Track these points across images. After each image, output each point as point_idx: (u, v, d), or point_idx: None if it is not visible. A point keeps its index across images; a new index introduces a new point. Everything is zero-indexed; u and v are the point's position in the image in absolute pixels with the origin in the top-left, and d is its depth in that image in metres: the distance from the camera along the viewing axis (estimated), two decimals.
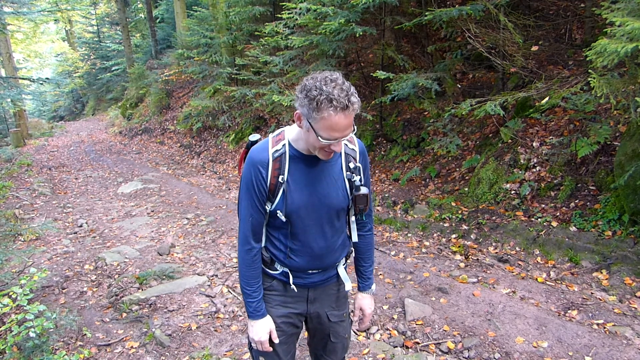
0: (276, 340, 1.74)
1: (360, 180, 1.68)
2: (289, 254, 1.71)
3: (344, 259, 1.85)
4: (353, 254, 1.92)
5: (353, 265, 1.98)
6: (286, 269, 1.74)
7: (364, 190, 1.67)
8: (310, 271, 1.75)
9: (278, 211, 1.64)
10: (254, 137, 1.77)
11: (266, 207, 1.68)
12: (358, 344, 3.20)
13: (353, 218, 1.82)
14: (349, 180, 1.69)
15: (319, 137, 1.46)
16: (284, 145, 1.63)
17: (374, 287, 1.96)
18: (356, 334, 3.31)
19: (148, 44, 19.57)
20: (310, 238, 1.68)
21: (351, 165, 1.69)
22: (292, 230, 1.67)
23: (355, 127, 1.52)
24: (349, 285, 1.84)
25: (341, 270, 1.83)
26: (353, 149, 1.72)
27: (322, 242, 1.70)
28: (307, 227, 1.67)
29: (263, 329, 1.72)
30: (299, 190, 1.63)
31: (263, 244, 1.79)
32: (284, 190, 1.61)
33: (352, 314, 1.99)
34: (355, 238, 1.84)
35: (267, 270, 1.79)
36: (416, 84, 5.81)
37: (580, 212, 4.49)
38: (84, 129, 19.71)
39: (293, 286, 1.74)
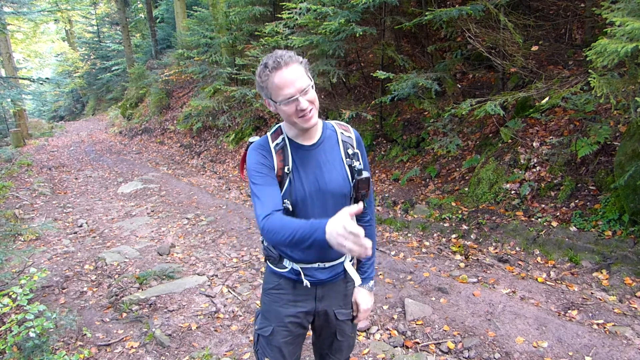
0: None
1: (360, 165, 1.72)
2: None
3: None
4: None
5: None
6: (295, 266, 1.75)
7: (365, 174, 1.69)
8: (317, 265, 1.75)
9: (285, 200, 1.66)
10: (254, 138, 1.79)
11: None
12: (358, 344, 3.19)
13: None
14: (349, 166, 1.72)
15: (279, 103, 1.52)
16: (283, 139, 1.68)
17: (372, 283, 1.89)
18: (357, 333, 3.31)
19: (148, 44, 19.57)
20: None
21: (350, 151, 1.73)
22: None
23: (312, 80, 1.56)
24: (358, 280, 1.81)
25: (348, 265, 1.83)
26: (349, 136, 1.77)
27: None
28: (311, 216, 1.67)
29: (335, 225, 1.28)
30: (303, 178, 1.66)
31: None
32: (290, 179, 1.64)
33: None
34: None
35: (275, 268, 1.79)
36: (416, 84, 5.81)
37: (580, 212, 4.49)
38: (84, 129, 19.71)
39: (306, 282, 1.74)
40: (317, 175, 1.67)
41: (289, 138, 1.68)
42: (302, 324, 1.83)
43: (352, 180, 1.72)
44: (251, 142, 1.78)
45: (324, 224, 1.32)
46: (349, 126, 1.80)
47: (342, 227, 1.26)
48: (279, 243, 1.50)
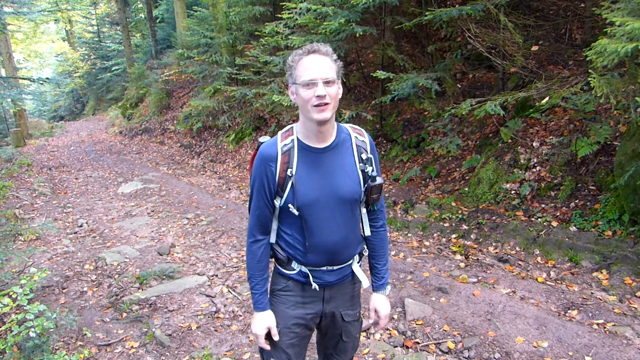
0: (275, 338, 1.75)
1: (373, 171, 1.71)
2: (302, 249, 1.70)
3: (357, 256, 1.84)
4: (367, 252, 1.91)
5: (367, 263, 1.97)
6: (304, 268, 1.74)
7: (379, 180, 1.70)
8: (325, 268, 1.74)
9: (289, 205, 1.65)
10: (264, 138, 1.79)
11: (275, 202, 1.69)
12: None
13: (364, 211, 1.82)
14: (363, 171, 1.71)
15: (299, 85, 1.54)
16: (292, 140, 1.67)
17: (389, 288, 1.92)
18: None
19: (148, 44, 19.57)
20: (325, 232, 1.68)
21: (363, 156, 1.72)
22: (305, 224, 1.67)
23: (339, 80, 1.60)
24: (366, 282, 1.82)
25: (356, 268, 1.82)
26: (363, 140, 1.75)
27: (336, 236, 1.70)
28: (320, 221, 1.67)
29: (260, 324, 1.75)
30: (310, 182, 1.64)
31: (276, 241, 1.79)
32: (292, 183, 1.63)
33: (364, 316, 1.97)
34: (367, 231, 1.84)
35: (283, 270, 1.78)
36: (416, 84, 5.81)
37: (580, 212, 4.49)
38: (84, 129, 19.72)
39: (315, 285, 1.73)
40: (328, 180, 1.65)
41: (299, 140, 1.66)
42: (308, 326, 1.83)
43: (364, 186, 1.71)
44: (261, 143, 1.77)
45: (259, 308, 1.76)
46: (363, 130, 1.79)
47: (255, 331, 1.76)
48: (246, 261, 1.81)
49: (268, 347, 1.77)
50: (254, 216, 1.73)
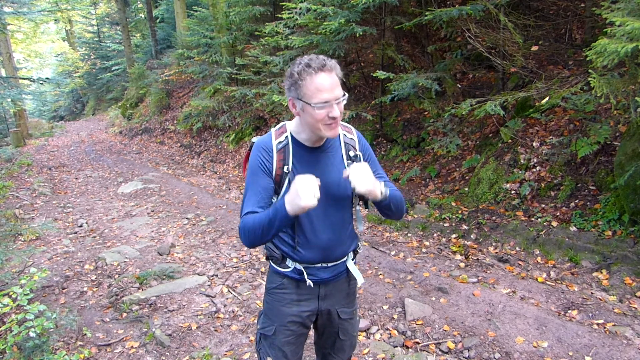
0: (318, 183, 1.47)
1: None
2: (297, 247, 1.71)
3: (352, 253, 1.85)
4: (361, 249, 1.92)
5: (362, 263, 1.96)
6: (298, 265, 1.74)
7: None
8: (320, 265, 1.75)
9: None
10: (257, 138, 1.80)
11: (273, 199, 1.69)
12: (358, 343, 3.19)
13: (359, 207, 1.82)
14: None
15: (312, 105, 1.49)
16: (286, 137, 1.67)
17: (384, 186, 1.60)
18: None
19: (148, 44, 19.57)
20: (318, 230, 1.69)
21: (351, 153, 1.73)
22: (299, 221, 1.67)
23: (347, 94, 1.56)
24: (361, 279, 1.83)
25: (351, 265, 1.83)
26: (352, 138, 1.77)
27: (330, 232, 1.71)
28: (314, 219, 1.67)
29: (302, 183, 1.43)
30: None
31: (269, 239, 1.79)
32: (289, 180, 1.63)
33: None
34: (361, 228, 1.85)
35: (278, 268, 1.79)
36: (416, 84, 5.81)
37: (580, 212, 4.49)
38: (84, 129, 19.71)
39: (309, 282, 1.73)
40: (321, 177, 1.63)
41: (293, 138, 1.67)
42: (304, 324, 1.83)
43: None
44: (254, 143, 1.78)
45: (283, 201, 1.47)
46: (351, 127, 1.80)
47: (294, 191, 1.42)
48: (256, 240, 1.56)
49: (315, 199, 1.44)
50: (252, 199, 1.62)
